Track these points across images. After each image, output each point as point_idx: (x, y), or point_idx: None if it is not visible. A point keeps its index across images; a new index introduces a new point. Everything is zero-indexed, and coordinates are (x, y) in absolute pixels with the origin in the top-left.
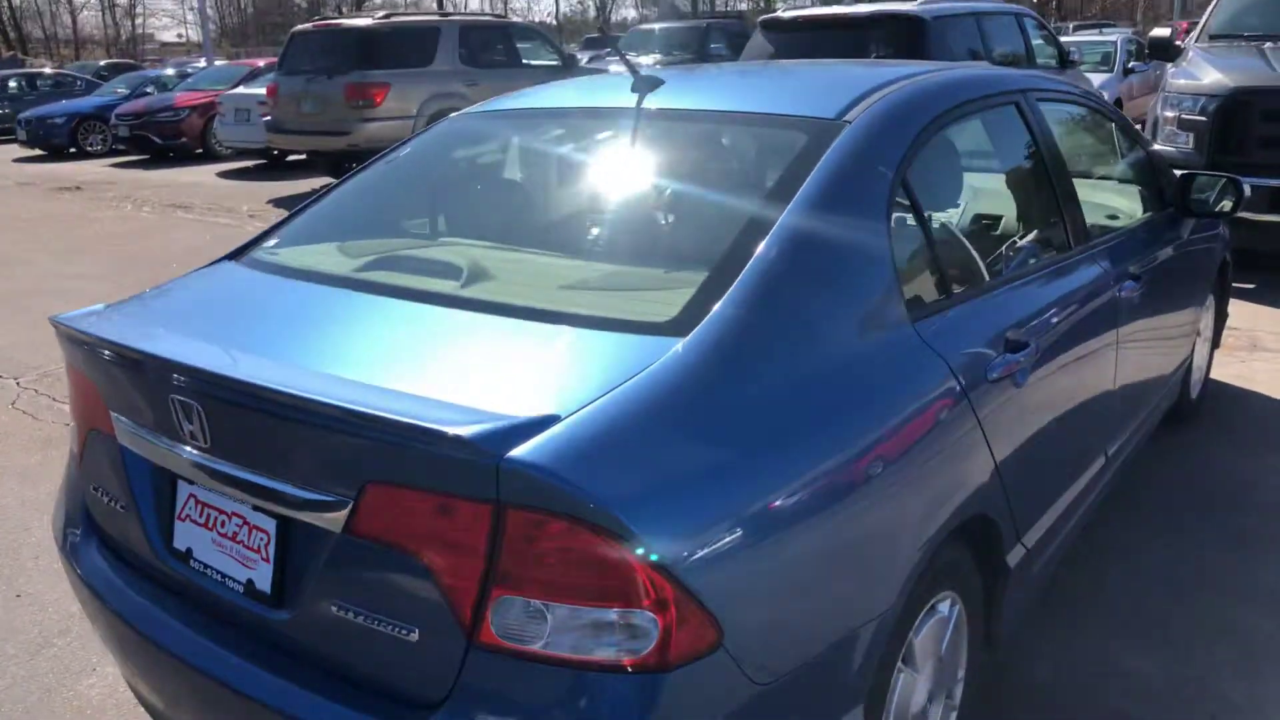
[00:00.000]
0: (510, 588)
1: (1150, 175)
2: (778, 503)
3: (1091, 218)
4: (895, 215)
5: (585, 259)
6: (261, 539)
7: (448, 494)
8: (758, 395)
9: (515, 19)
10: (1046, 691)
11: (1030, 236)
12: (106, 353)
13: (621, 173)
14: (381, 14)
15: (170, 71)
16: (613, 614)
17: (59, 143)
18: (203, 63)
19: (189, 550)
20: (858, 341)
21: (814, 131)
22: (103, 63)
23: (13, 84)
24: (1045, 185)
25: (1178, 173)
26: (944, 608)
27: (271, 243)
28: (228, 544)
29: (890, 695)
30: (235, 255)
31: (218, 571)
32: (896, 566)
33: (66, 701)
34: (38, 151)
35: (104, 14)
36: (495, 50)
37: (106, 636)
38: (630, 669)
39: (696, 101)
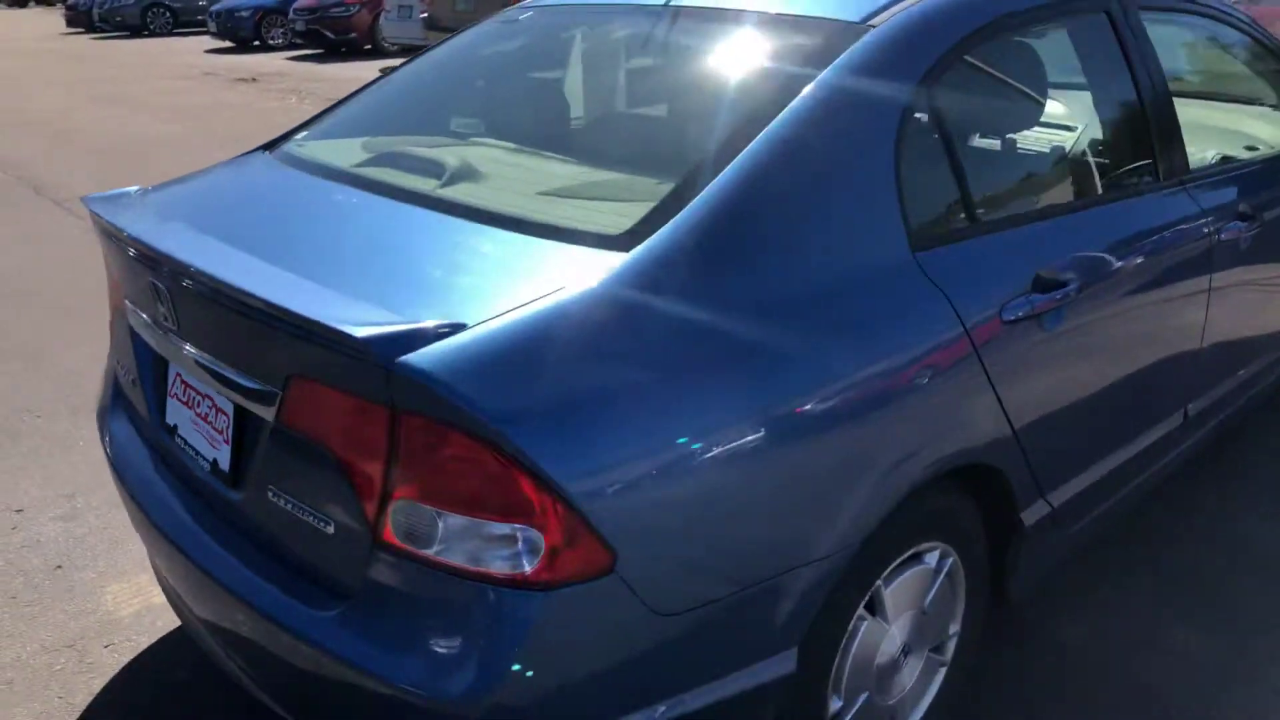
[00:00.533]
0: (407, 492)
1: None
2: (701, 436)
3: (1205, 148)
4: (911, 135)
5: (582, 163)
6: (224, 421)
7: (354, 394)
8: (697, 318)
9: None
10: (1072, 654)
11: (1091, 166)
12: (112, 235)
13: (635, 75)
14: None
15: None
16: (501, 528)
17: (245, 35)
18: None
19: (175, 426)
20: (833, 267)
21: (831, 35)
22: None
23: None
24: (1125, 109)
25: None
26: (931, 559)
27: (303, 135)
28: (201, 424)
29: (849, 642)
30: (271, 145)
31: (194, 449)
32: (848, 512)
33: (128, 553)
34: (227, 43)
35: None
36: None
37: (121, 499)
38: (516, 583)
39: (725, 0)
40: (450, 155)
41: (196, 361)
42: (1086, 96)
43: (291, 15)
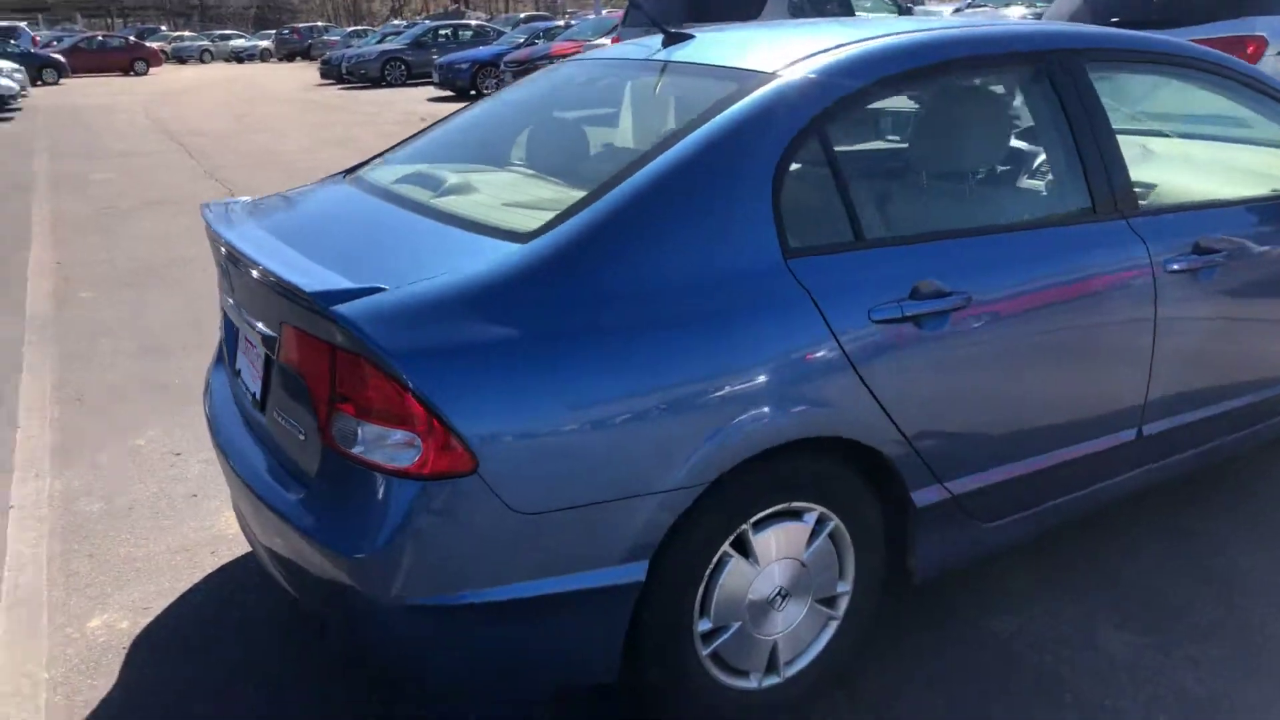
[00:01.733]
0: (340, 407)
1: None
2: (557, 383)
3: (1168, 188)
4: (794, 163)
5: (550, 182)
6: (260, 361)
7: (312, 335)
8: (569, 294)
9: None
10: (995, 642)
11: (999, 195)
12: (208, 231)
13: (609, 112)
14: None
15: (559, 23)
16: (396, 434)
17: (462, 84)
18: (592, 15)
19: (240, 371)
20: (709, 264)
21: (744, 82)
22: (523, 15)
23: (443, 33)
24: (1051, 149)
25: None
26: (809, 518)
27: (377, 161)
28: (249, 367)
29: (715, 574)
30: (350, 170)
31: (247, 386)
32: (690, 458)
33: None
34: (447, 92)
35: None
36: (827, 3)
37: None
38: (403, 474)
39: (696, 55)
40: (457, 175)
41: (246, 319)
42: (1007, 139)
43: (502, 67)
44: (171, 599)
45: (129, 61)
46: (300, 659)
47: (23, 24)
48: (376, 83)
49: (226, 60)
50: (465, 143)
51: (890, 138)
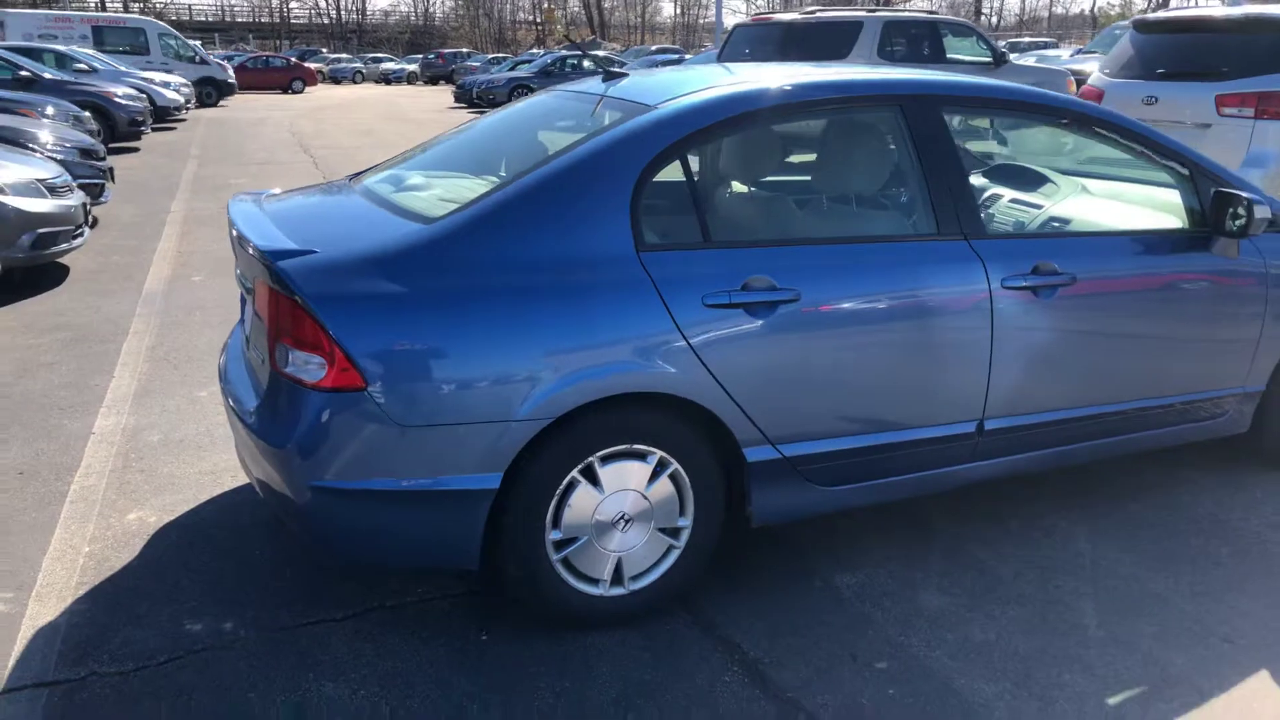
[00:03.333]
0: (280, 339)
1: (1179, 191)
2: (430, 324)
3: (1009, 217)
4: (656, 176)
5: (482, 181)
6: (249, 311)
7: (268, 284)
8: (449, 261)
9: (946, 15)
10: (830, 591)
11: (842, 215)
12: (228, 213)
13: (545, 130)
14: (813, 9)
15: (688, 56)
16: (311, 357)
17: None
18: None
19: (244, 321)
20: (575, 248)
21: (629, 111)
22: (653, 48)
23: (569, 63)
24: (899, 176)
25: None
26: (651, 459)
27: (380, 166)
28: (247, 320)
29: (567, 492)
30: (354, 176)
31: (247, 336)
32: (535, 398)
33: None
34: None
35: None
36: (919, 45)
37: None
38: (314, 387)
39: (618, 91)
40: (422, 178)
41: (242, 280)
42: (856, 166)
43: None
44: (193, 505)
45: (288, 80)
46: (276, 550)
47: (197, 43)
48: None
49: (376, 81)
50: (446, 152)
51: (750, 159)
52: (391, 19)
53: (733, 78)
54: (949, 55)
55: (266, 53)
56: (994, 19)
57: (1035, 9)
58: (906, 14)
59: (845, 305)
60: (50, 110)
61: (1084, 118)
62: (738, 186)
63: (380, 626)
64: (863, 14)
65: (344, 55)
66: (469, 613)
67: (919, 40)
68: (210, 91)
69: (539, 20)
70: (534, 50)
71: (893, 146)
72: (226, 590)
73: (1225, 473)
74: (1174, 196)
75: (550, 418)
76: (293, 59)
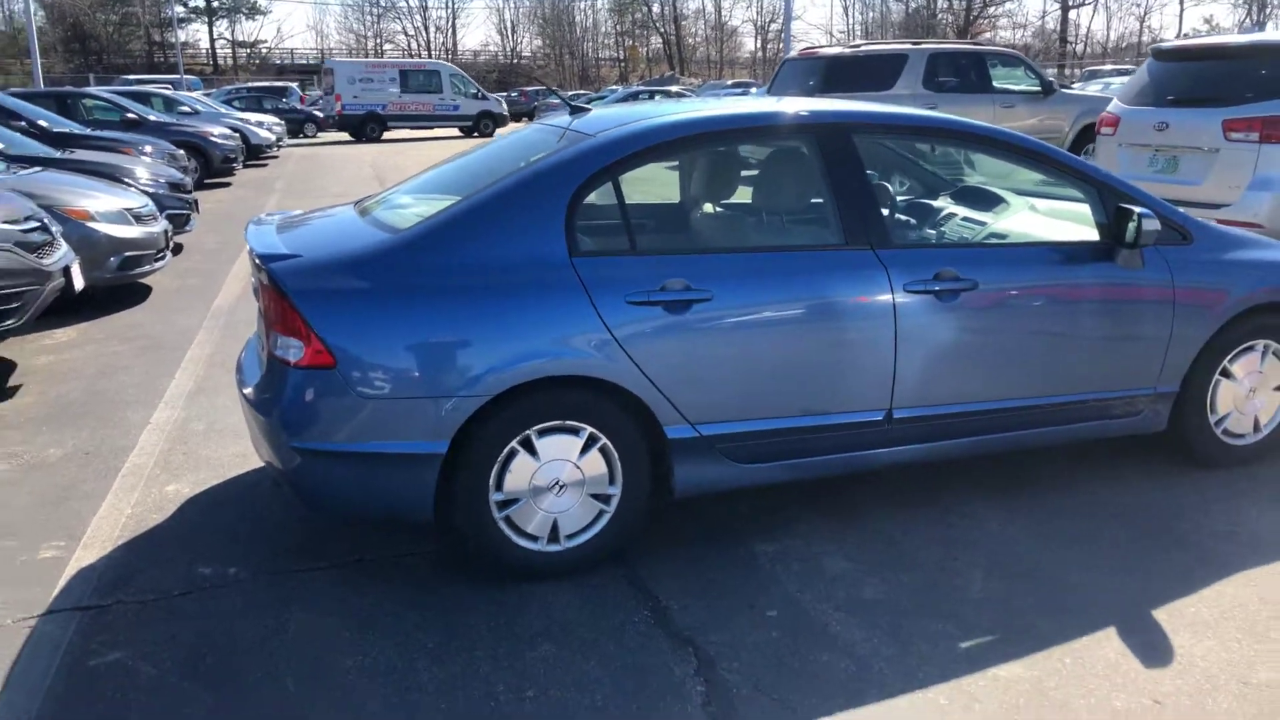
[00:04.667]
0: (273, 328)
1: (1090, 206)
2: (392, 317)
3: (918, 229)
4: (589, 193)
5: (454, 199)
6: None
7: (267, 283)
8: (411, 265)
9: (996, 47)
10: (748, 557)
11: (757, 227)
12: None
13: (519, 156)
14: (859, 43)
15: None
16: (293, 341)
17: None
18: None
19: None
20: (520, 255)
21: (574, 140)
22: (729, 81)
23: (642, 97)
24: (812, 194)
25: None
26: (582, 434)
27: (387, 189)
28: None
29: (508, 459)
30: (359, 200)
31: (258, 332)
32: (473, 378)
33: None
34: None
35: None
36: (966, 75)
37: None
38: (295, 365)
39: (577, 124)
40: (409, 199)
41: (254, 284)
42: (775, 185)
43: None
44: (222, 480)
45: None
46: (284, 513)
47: (294, 85)
48: None
49: None
50: (436, 177)
51: (677, 179)
52: (480, 58)
53: (673, 110)
54: (996, 85)
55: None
56: (1079, 46)
57: (1126, 35)
58: (953, 45)
59: (755, 304)
60: (148, 149)
61: (988, 141)
62: (664, 202)
63: (358, 574)
64: (908, 47)
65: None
66: (435, 566)
67: (965, 71)
68: (488, 123)
69: (622, 58)
70: (613, 87)
71: (806, 168)
72: (237, 544)
73: (1151, 469)
74: (1091, 212)
75: (490, 395)
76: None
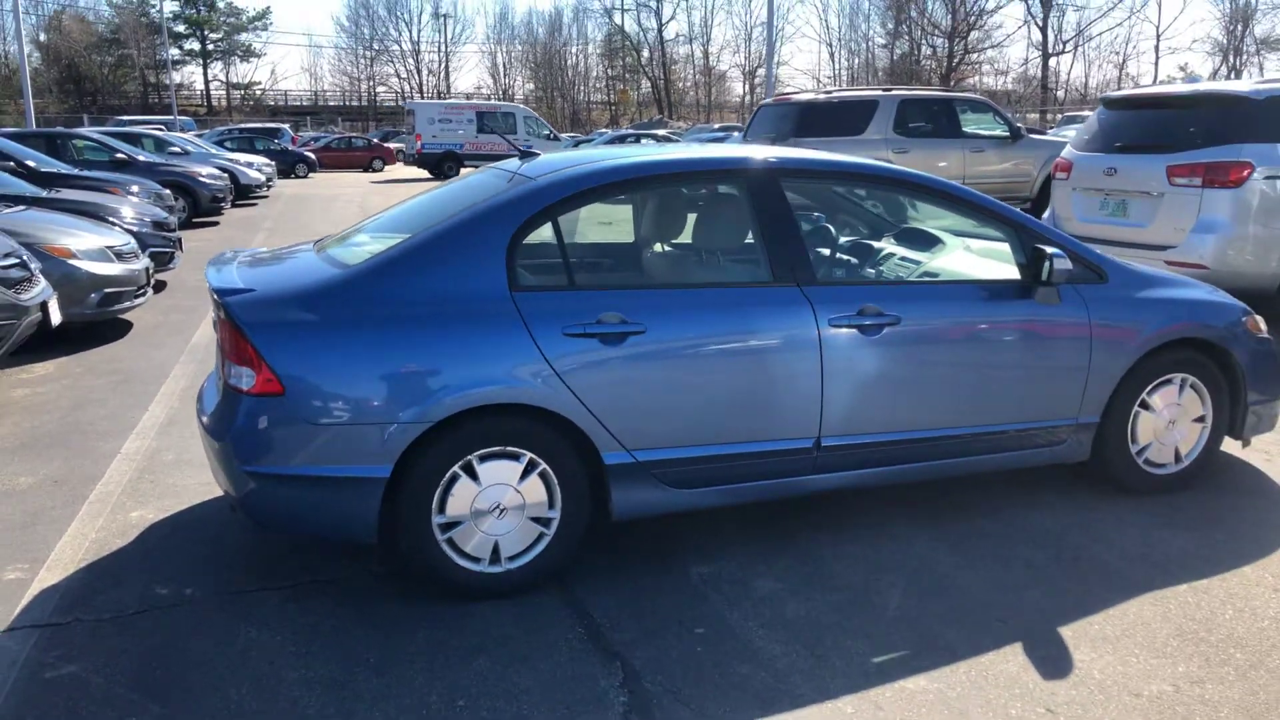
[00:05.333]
0: (228, 358)
1: (1011, 247)
2: (337, 346)
3: (847, 268)
4: (529, 232)
5: (405, 237)
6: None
7: (223, 317)
8: (354, 298)
9: (965, 94)
10: (683, 577)
11: (688, 265)
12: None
13: (464, 196)
14: (832, 90)
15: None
16: (245, 370)
17: None
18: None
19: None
20: (462, 288)
21: (517, 182)
22: (716, 126)
23: (628, 140)
24: (742, 235)
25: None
26: (522, 460)
27: (345, 229)
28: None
29: (450, 483)
30: (319, 240)
31: (217, 365)
32: (414, 404)
33: None
34: None
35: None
36: (936, 121)
37: None
38: (247, 393)
39: (524, 168)
40: (365, 237)
41: (214, 317)
42: (709, 227)
43: None
44: (186, 506)
45: (369, 159)
46: (243, 537)
47: (286, 126)
48: None
49: None
50: (394, 216)
51: (613, 219)
52: (472, 99)
53: (614, 156)
54: (965, 130)
55: (351, 134)
56: (1060, 92)
57: (1105, 82)
58: (922, 92)
59: (686, 337)
60: (134, 188)
61: (911, 185)
62: (603, 241)
63: (309, 594)
64: (878, 93)
65: None
66: (382, 586)
67: (935, 116)
68: None
69: (612, 101)
70: (603, 130)
71: (738, 210)
72: (194, 566)
73: (1078, 497)
74: (1011, 252)
75: (431, 421)
76: (375, 139)
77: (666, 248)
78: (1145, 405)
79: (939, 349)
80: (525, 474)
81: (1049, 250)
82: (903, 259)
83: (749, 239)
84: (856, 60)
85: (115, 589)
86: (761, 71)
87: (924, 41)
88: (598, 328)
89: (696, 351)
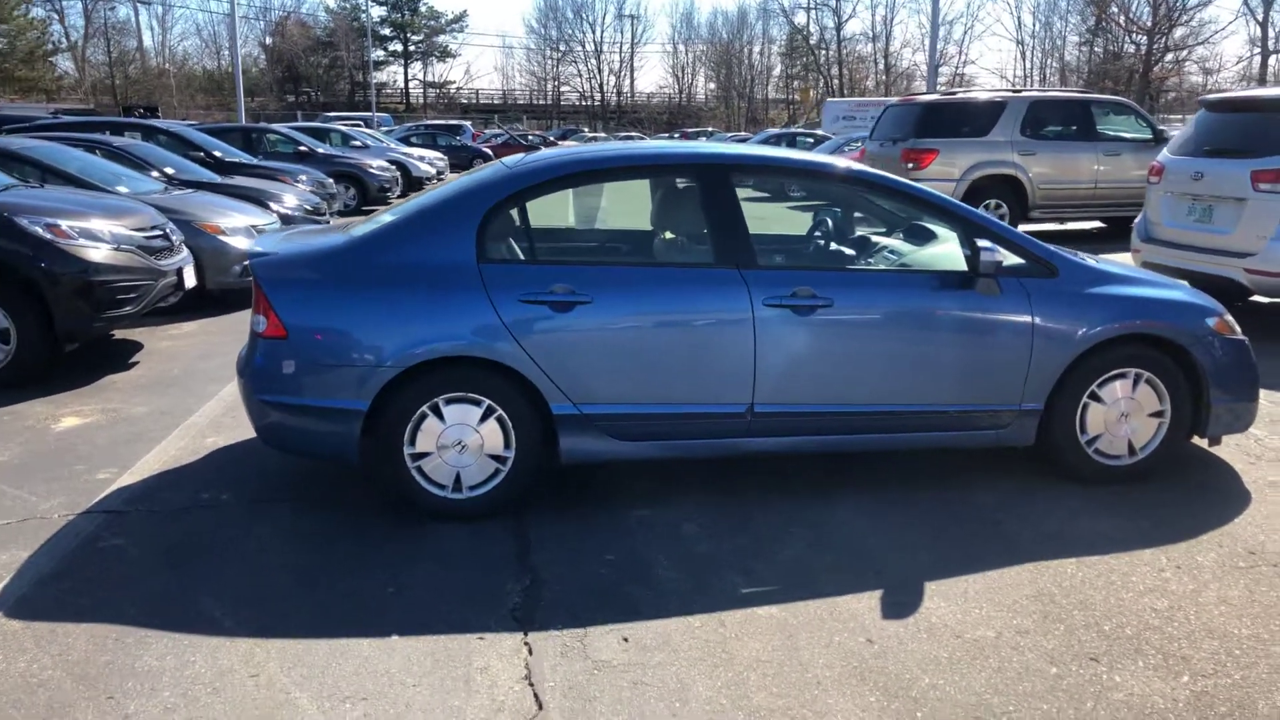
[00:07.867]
0: (254, 309)
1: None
2: (333, 300)
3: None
4: (497, 212)
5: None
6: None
7: (253, 279)
8: (349, 261)
9: (1101, 95)
10: (620, 517)
11: (637, 247)
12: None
13: (462, 182)
14: (953, 90)
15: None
16: (261, 317)
17: None
18: None
19: None
20: (439, 258)
21: (498, 169)
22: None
23: (783, 143)
24: (691, 222)
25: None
26: (482, 405)
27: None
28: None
29: (420, 420)
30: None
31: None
32: (390, 352)
33: None
34: None
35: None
36: (1070, 123)
37: None
38: (263, 336)
39: (511, 160)
40: (388, 216)
41: None
42: (662, 213)
43: None
44: (250, 438)
45: None
46: (284, 462)
47: (467, 123)
48: None
49: None
50: (416, 199)
51: (574, 204)
52: (655, 100)
53: (587, 150)
54: (1101, 132)
55: (529, 131)
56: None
57: (1221, 84)
58: (1057, 93)
59: (630, 308)
60: (303, 177)
61: (858, 182)
62: (561, 223)
63: (316, 509)
64: (1008, 94)
65: (601, 134)
66: (370, 504)
67: (1070, 119)
68: None
69: (791, 100)
70: (769, 129)
71: (689, 200)
72: (237, 480)
73: (1028, 481)
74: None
75: (402, 367)
76: (550, 137)
77: (623, 231)
78: (1095, 397)
79: (873, 331)
80: (484, 418)
81: (981, 244)
82: (857, 250)
83: (699, 226)
84: (1050, 61)
85: (172, 492)
86: (944, 69)
87: (1125, 39)
88: (549, 296)
89: (639, 321)
